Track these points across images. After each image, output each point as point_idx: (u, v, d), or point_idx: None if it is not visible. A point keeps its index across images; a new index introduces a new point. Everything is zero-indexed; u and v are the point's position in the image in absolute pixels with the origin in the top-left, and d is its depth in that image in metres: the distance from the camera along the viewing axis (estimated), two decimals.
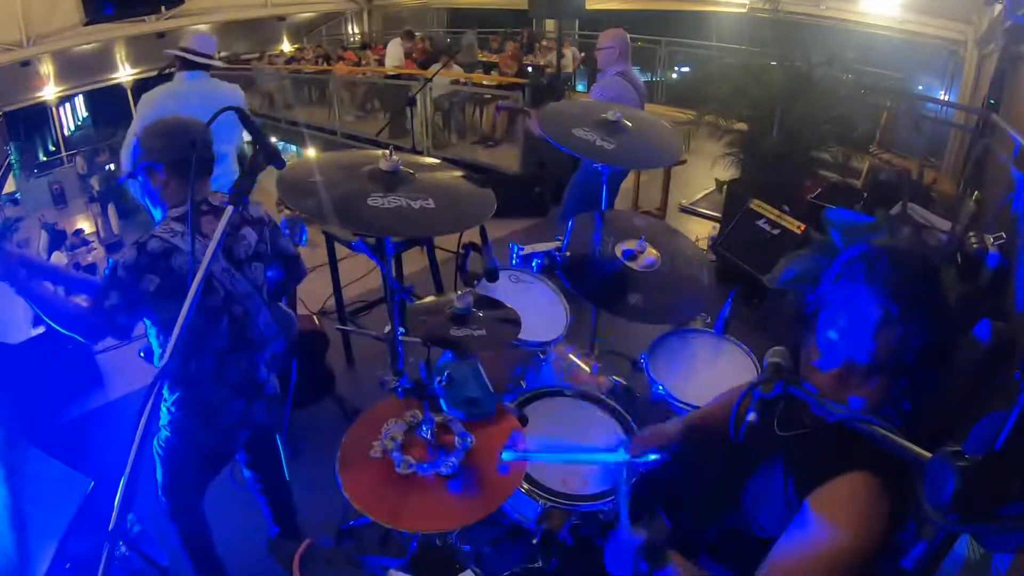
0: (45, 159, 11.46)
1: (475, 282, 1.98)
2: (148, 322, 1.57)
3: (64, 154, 11.45)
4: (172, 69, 3.06)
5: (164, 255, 1.45)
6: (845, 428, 0.91)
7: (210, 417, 1.65)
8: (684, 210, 5.40)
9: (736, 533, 1.20)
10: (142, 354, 1.72)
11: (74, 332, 1.47)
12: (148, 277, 1.44)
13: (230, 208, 1.04)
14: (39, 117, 11.08)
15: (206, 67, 2.99)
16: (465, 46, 8.46)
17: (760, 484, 1.13)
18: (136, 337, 1.55)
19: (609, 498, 1.57)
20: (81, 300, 1.54)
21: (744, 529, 1.17)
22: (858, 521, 0.94)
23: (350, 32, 13.36)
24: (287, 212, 2.36)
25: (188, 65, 2.95)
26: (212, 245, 1.00)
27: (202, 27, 10.76)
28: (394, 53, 8.77)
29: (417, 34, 9.29)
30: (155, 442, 1.72)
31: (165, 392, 1.64)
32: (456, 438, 1.50)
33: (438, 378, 1.55)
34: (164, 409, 1.66)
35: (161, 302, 1.47)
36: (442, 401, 1.56)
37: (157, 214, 1.60)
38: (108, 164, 10.77)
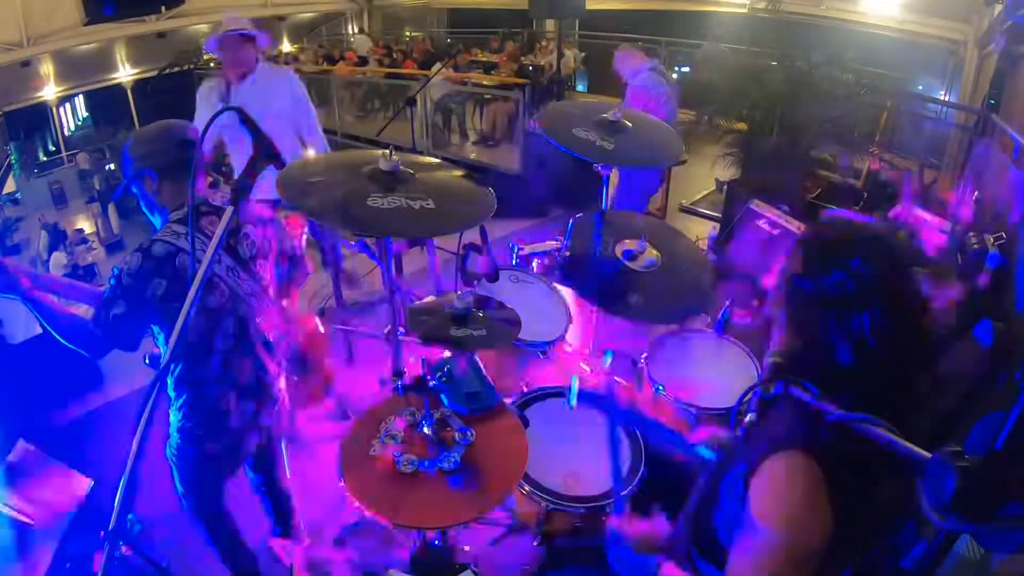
0: (45, 159, 11.45)
1: (475, 282, 1.98)
2: (156, 329, 1.55)
3: (64, 154, 11.44)
4: (173, 69, 3.09)
5: (169, 258, 1.43)
6: (782, 407, 0.90)
7: (218, 421, 1.64)
8: (684, 210, 5.40)
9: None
10: (147, 360, 1.70)
11: (79, 346, 1.45)
12: (155, 281, 1.42)
13: (230, 209, 1.04)
14: (39, 117, 11.07)
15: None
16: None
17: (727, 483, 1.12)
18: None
19: (610, 500, 1.57)
20: (84, 310, 1.51)
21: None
22: (789, 514, 0.90)
23: (350, 32, 13.35)
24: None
25: None
26: (212, 244, 1.00)
27: (203, 27, 10.78)
28: None
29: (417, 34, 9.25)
30: (167, 448, 1.70)
31: (172, 395, 1.62)
32: (456, 433, 1.50)
33: (438, 373, 1.55)
34: (173, 415, 1.64)
35: (169, 306, 1.44)
36: (443, 396, 1.56)
37: (157, 221, 1.58)
38: (109, 163, 10.77)
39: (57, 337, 1.44)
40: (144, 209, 1.61)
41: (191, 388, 1.60)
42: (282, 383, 1.80)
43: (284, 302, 1.85)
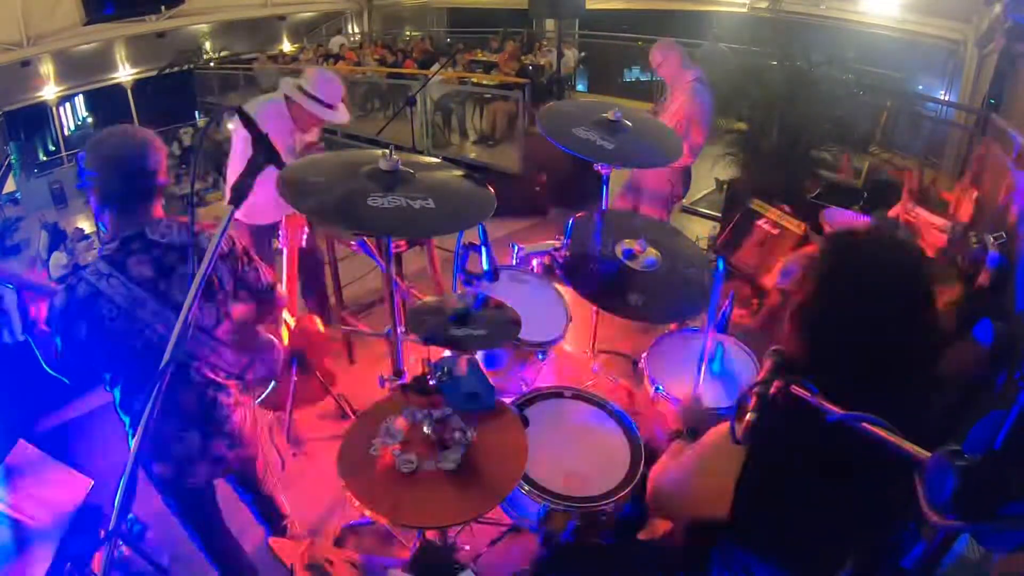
0: (45, 159, 11.47)
1: (475, 282, 1.98)
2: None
3: (64, 154, 11.45)
4: (173, 68, 3.02)
5: (89, 301, 1.35)
6: (783, 406, 0.93)
7: (161, 447, 1.55)
8: (684, 210, 5.38)
9: None
10: None
11: (59, 375, 1.42)
12: (77, 324, 1.35)
13: (232, 208, 1.04)
14: (39, 117, 11.09)
15: None
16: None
17: None
18: None
19: (610, 499, 1.57)
20: None
21: None
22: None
23: (350, 32, 13.36)
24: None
25: None
26: (209, 250, 1.00)
27: (203, 27, 10.79)
28: None
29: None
30: None
31: (122, 414, 1.56)
32: (456, 433, 1.50)
33: (438, 373, 1.55)
34: (129, 437, 1.57)
35: (93, 349, 1.37)
36: (443, 396, 1.56)
37: (101, 227, 1.49)
38: None
39: (45, 366, 1.42)
40: (94, 210, 1.50)
41: (132, 416, 1.53)
42: (240, 416, 1.68)
43: (257, 329, 1.73)
